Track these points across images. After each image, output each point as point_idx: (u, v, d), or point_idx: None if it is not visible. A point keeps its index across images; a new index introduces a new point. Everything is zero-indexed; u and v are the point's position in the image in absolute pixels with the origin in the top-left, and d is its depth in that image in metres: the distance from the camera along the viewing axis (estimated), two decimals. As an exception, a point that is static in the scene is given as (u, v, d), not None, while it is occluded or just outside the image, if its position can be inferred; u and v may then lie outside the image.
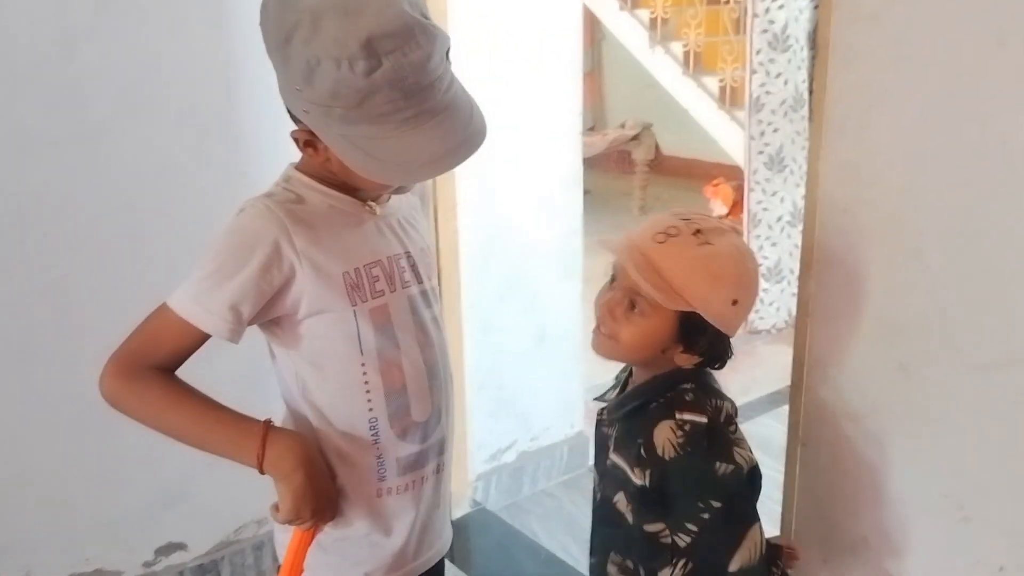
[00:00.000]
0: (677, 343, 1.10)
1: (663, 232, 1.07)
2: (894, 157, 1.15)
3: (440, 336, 1.19)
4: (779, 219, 3.57)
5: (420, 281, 1.15)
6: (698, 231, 1.07)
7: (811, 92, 3.34)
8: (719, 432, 1.09)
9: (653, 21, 5.40)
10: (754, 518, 1.09)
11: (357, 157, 0.97)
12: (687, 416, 1.08)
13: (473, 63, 2.20)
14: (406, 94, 0.92)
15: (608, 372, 1.20)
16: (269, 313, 1.05)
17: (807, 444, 1.35)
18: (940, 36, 1.08)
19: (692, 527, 1.07)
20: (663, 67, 5.45)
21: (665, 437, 1.07)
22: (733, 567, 1.06)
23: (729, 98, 5.16)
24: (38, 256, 1.77)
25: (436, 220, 2.19)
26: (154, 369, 1.03)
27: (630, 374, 1.22)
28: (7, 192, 1.71)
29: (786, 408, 1.39)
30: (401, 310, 1.12)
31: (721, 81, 5.15)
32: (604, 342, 1.14)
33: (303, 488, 1.04)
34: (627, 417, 1.15)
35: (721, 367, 1.15)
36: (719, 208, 5.63)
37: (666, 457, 1.06)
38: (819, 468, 1.34)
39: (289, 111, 1.03)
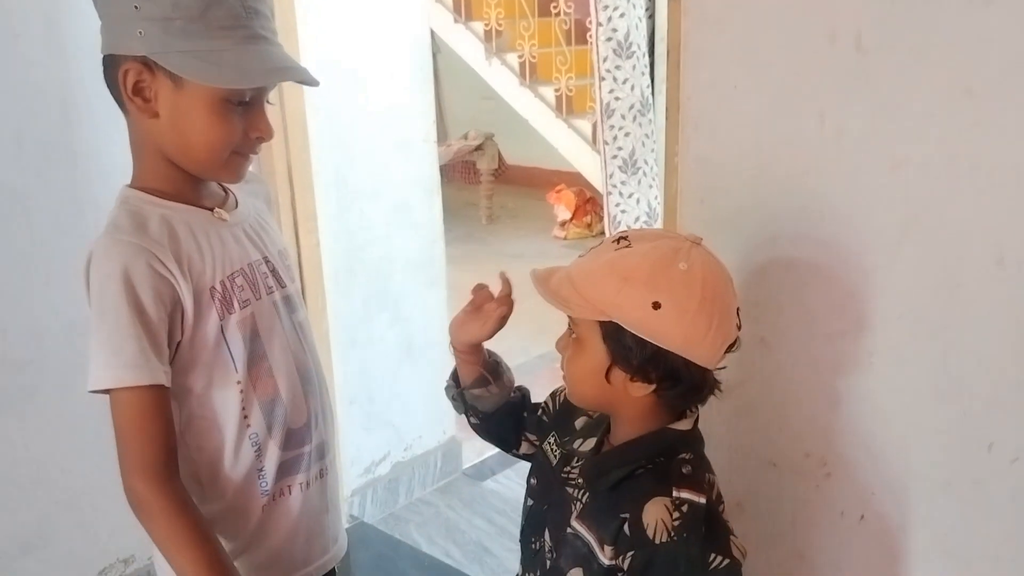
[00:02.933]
0: (617, 368, 0.97)
1: (592, 248, 1.02)
2: (745, 149, 1.25)
3: (309, 340, 1.19)
4: (636, 219, 3.74)
5: (283, 285, 1.14)
6: (621, 238, 0.98)
7: (654, 95, 3.52)
8: (716, 516, 0.96)
9: (488, 33, 5.52)
10: None
11: (199, 67, 0.95)
12: (685, 495, 0.93)
13: (328, 72, 2.19)
14: (245, 12, 0.97)
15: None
16: (172, 341, 1.00)
17: (681, 422, 1.44)
18: (778, 36, 1.19)
19: None
20: (500, 78, 5.57)
21: (659, 517, 0.92)
22: None
23: (566, 107, 5.35)
24: None
25: (296, 233, 2.16)
26: (183, 493, 1.00)
27: (607, 430, 1.09)
28: None
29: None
30: (268, 317, 1.10)
31: (557, 91, 5.33)
32: (567, 387, 1.06)
33: None
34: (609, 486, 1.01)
35: (699, 402, 1.03)
36: (563, 213, 5.82)
37: (657, 540, 0.91)
38: (693, 443, 1.43)
39: (112, 58, 0.99)
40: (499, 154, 6.11)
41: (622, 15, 3.39)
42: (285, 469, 1.12)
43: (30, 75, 1.76)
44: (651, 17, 3.51)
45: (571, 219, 5.77)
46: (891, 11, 1.08)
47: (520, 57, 5.44)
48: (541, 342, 4.13)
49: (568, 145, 5.43)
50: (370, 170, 2.36)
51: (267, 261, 1.12)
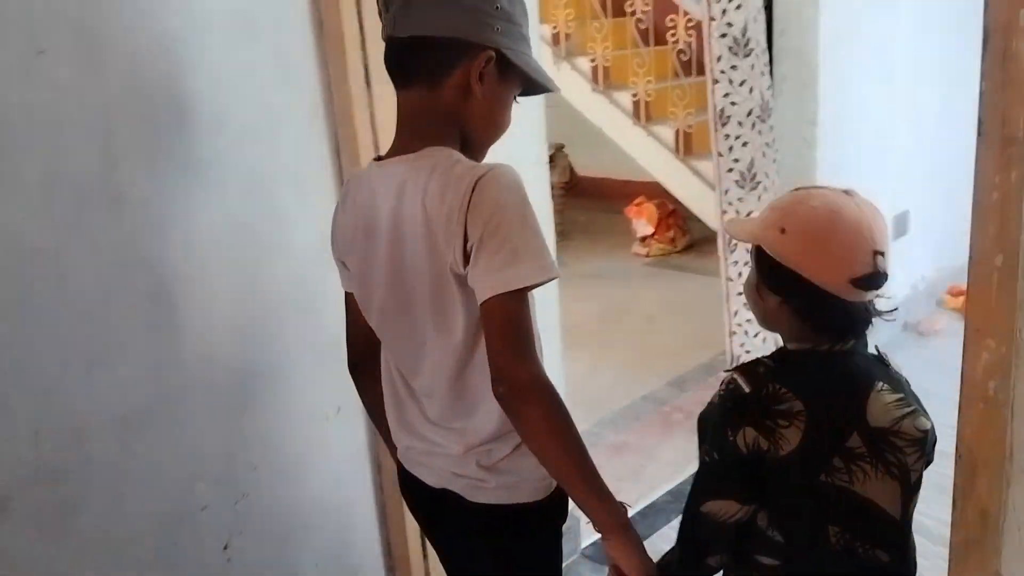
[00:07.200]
0: (761, 284, 1.19)
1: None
2: None
3: None
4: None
5: None
6: (797, 189, 1.21)
7: (774, 97, 3.04)
8: (751, 408, 1.13)
9: (556, 36, 5.11)
10: (727, 493, 1.14)
11: (534, 69, 1.21)
12: (738, 377, 1.16)
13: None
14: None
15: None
16: None
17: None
18: None
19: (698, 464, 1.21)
20: (570, 84, 5.15)
21: (718, 388, 1.19)
22: (704, 508, 1.17)
23: (644, 113, 4.91)
24: None
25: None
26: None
27: None
28: None
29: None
30: None
31: (635, 96, 4.89)
32: None
33: (641, 544, 1.17)
34: None
35: (830, 322, 1.15)
36: (643, 228, 5.37)
37: (712, 400, 1.20)
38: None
39: (461, 43, 1.14)
40: (570, 166, 5.68)
41: (738, 7, 2.91)
42: None
43: (59, 103, 1.37)
44: (768, 8, 3.03)
45: (653, 234, 5.31)
46: None
47: (592, 61, 5.01)
48: (643, 381, 3.64)
49: (647, 154, 4.98)
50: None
51: None
